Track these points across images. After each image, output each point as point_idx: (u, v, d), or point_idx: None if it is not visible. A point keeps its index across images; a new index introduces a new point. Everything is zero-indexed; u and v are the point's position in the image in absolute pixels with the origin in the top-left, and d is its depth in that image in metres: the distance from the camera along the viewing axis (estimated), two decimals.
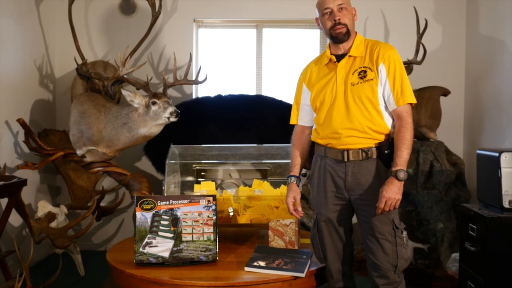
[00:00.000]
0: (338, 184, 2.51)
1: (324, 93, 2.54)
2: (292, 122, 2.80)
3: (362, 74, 2.45)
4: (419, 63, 4.24)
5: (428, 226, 4.14)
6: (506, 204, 2.97)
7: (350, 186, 2.48)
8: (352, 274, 2.69)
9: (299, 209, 2.63)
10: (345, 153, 2.47)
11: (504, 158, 3.00)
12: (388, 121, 2.47)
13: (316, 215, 2.63)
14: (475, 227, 3.14)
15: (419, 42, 4.27)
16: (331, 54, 2.58)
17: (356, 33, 2.57)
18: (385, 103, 2.46)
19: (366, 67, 2.47)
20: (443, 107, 4.48)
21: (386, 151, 2.44)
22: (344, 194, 2.51)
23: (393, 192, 2.31)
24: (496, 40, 4.28)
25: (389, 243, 2.41)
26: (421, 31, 4.29)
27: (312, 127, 2.71)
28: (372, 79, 2.43)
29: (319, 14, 2.55)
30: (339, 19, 2.46)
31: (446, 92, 4.45)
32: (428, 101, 4.36)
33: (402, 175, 2.32)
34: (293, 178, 2.69)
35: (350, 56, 2.52)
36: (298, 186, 2.69)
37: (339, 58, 2.55)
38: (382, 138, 2.46)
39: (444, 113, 4.49)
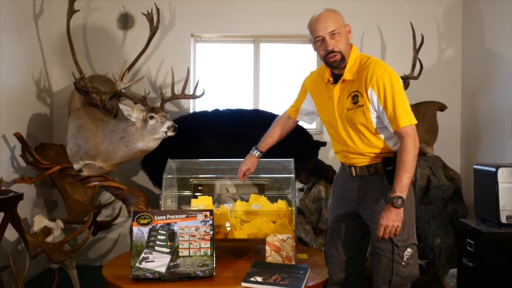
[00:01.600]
0: (350, 197, 2.59)
1: (327, 113, 2.59)
2: (287, 109, 2.99)
3: (355, 99, 2.44)
4: (416, 78, 4.26)
5: (425, 241, 4.13)
6: (503, 220, 2.98)
7: (358, 200, 2.55)
8: (358, 286, 2.72)
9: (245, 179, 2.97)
10: (353, 169, 2.54)
11: (501, 173, 3.01)
12: (389, 141, 2.47)
13: (327, 221, 2.77)
14: (472, 242, 3.14)
15: (415, 58, 4.30)
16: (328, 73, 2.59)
17: (350, 50, 2.50)
18: (383, 125, 2.45)
19: (358, 92, 2.44)
20: (440, 122, 4.49)
21: (388, 168, 2.44)
22: (354, 207, 2.58)
23: (391, 219, 2.30)
24: (492, 55, 4.31)
25: (386, 259, 2.43)
26: (417, 46, 4.32)
27: (297, 121, 2.96)
28: (363, 105, 2.41)
29: (312, 38, 2.51)
30: (332, 48, 2.42)
31: (442, 107, 4.47)
32: (425, 116, 4.37)
33: (400, 202, 2.29)
34: (256, 151, 2.98)
35: (343, 80, 2.50)
36: (257, 158, 2.98)
37: (336, 78, 2.55)
38: (385, 155, 2.47)
39: (441, 128, 4.51)
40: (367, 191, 2.51)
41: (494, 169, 3.04)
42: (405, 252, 2.42)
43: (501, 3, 4.17)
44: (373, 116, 2.42)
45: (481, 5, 4.55)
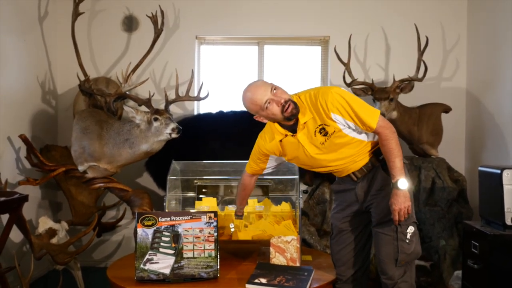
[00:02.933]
0: (352, 197, 2.69)
1: (304, 159, 2.62)
2: (247, 170, 2.94)
3: (323, 132, 2.49)
4: (420, 80, 4.25)
5: (430, 243, 4.12)
6: (508, 221, 2.96)
7: (361, 199, 2.65)
8: (364, 282, 2.81)
9: None
10: (352, 175, 2.64)
11: (506, 175, 3.00)
12: (371, 136, 2.58)
13: (332, 224, 2.84)
14: (477, 244, 3.13)
15: (420, 59, 4.28)
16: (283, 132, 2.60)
17: (293, 97, 2.54)
18: (364, 133, 2.55)
19: (322, 125, 2.48)
20: (445, 124, 4.48)
21: (381, 157, 2.56)
22: (358, 207, 2.68)
23: (400, 202, 2.40)
24: (497, 58, 4.30)
25: (390, 238, 2.51)
26: (422, 48, 4.31)
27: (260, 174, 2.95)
28: (334, 131, 2.47)
29: (259, 110, 2.50)
30: (283, 101, 2.44)
31: (447, 109, 4.46)
32: (429, 117, 4.37)
33: (402, 184, 2.41)
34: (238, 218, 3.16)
35: (304, 123, 2.51)
36: None
37: (293, 130, 2.56)
38: (375, 148, 2.59)
39: (446, 130, 4.50)
40: (367, 186, 2.63)
41: (499, 171, 3.03)
42: (408, 230, 2.50)
43: (506, 5, 4.16)
44: (347, 132, 2.49)
45: (486, 7, 4.54)
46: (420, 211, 4.15)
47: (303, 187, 4.44)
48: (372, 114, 2.44)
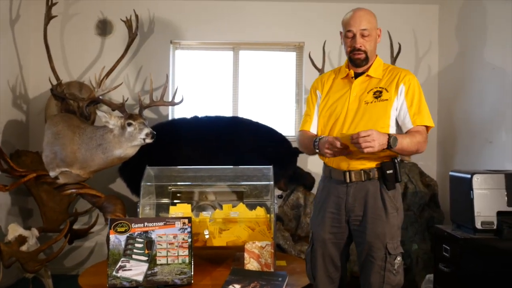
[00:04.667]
0: (339, 205, 2.50)
1: (335, 107, 2.53)
2: (302, 128, 2.69)
3: (377, 94, 2.46)
4: None
5: (403, 247, 4.15)
6: (478, 225, 3.02)
7: (350, 207, 2.47)
8: None
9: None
10: (347, 174, 2.46)
11: (476, 179, 3.05)
12: None
13: (313, 234, 2.62)
14: (448, 248, 3.18)
15: (396, 66, 4.34)
16: (348, 70, 2.58)
17: (376, 56, 2.57)
18: (396, 126, 2.47)
19: (383, 88, 2.47)
20: None
21: (388, 171, 2.41)
22: (342, 216, 2.50)
23: (377, 138, 2.23)
24: (467, 64, 4.39)
25: (378, 267, 2.41)
26: (394, 54, 4.38)
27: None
28: (386, 100, 2.44)
29: (343, 31, 2.54)
30: (360, 46, 2.47)
31: None
32: None
33: (393, 139, 2.26)
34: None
35: (367, 75, 2.53)
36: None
37: (356, 76, 2.55)
38: (386, 159, 2.45)
39: None
40: (361, 198, 2.47)
41: (469, 176, 3.09)
42: (395, 261, 2.43)
43: (476, 13, 4.25)
44: (392, 113, 2.45)
45: (457, 14, 4.64)
46: None
47: (277, 192, 4.45)
48: (429, 117, 2.45)
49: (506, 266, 2.95)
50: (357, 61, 2.50)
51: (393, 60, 4.36)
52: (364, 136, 2.21)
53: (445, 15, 4.91)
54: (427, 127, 2.46)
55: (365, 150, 2.22)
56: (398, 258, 2.44)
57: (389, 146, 2.27)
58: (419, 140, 2.37)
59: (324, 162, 2.63)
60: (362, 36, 2.47)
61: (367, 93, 2.48)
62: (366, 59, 2.50)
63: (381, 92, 2.46)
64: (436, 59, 5.04)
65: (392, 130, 2.46)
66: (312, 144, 2.48)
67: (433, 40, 5.04)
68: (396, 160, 2.44)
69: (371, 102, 2.45)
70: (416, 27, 5.02)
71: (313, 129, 2.65)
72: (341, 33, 2.58)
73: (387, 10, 4.95)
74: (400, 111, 2.45)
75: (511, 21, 3.75)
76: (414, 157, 4.49)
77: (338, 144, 2.32)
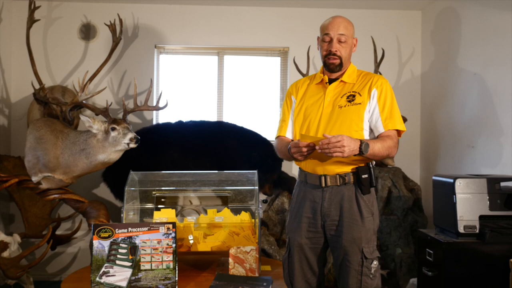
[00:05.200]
0: (315, 210, 2.52)
1: (310, 112, 2.57)
2: (279, 134, 2.72)
3: (351, 98, 2.51)
4: None
5: (387, 252, 4.19)
6: (461, 229, 3.04)
7: (325, 212, 2.49)
8: None
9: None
10: (323, 178, 2.48)
11: (459, 184, 3.08)
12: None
13: (289, 239, 2.62)
14: (432, 252, 3.20)
15: (376, 71, 4.38)
16: (323, 75, 2.63)
17: (350, 63, 2.62)
18: (370, 129, 2.51)
19: (356, 92, 2.52)
20: None
21: (363, 176, 2.44)
22: (318, 221, 2.51)
23: (348, 144, 2.25)
24: (449, 70, 4.44)
25: (355, 272, 2.42)
26: (378, 60, 4.41)
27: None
28: (360, 103, 2.48)
29: (320, 36, 2.59)
30: (335, 51, 2.52)
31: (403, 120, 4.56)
32: None
33: (365, 147, 2.29)
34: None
35: (341, 81, 2.57)
36: None
37: (331, 81, 2.60)
38: (361, 163, 2.48)
39: (401, 140, 4.56)
40: (336, 202, 2.48)
41: (452, 180, 3.12)
42: (372, 265, 2.44)
43: (458, 19, 4.30)
44: (365, 116, 2.48)
45: (439, 21, 4.69)
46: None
47: (262, 197, 4.45)
48: (400, 122, 2.50)
49: (489, 270, 2.99)
50: (331, 66, 2.55)
51: (377, 65, 4.40)
52: (335, 142, 2.24)
53: (427, 21, 4.96)
54: (399, 131, 2.51)
55: (334, 155, 2.26)
56: (375, 262, 2.45)
57: (360, 152, 2.30)
58: (389, 145, 2.42)
59: (299, 167, 2.65)
60: (339, 41, 2.53)
61: (341, 97, 2.54)
62: (340, 65, 2.55)
63: (354, 96, 2.52)
64: (419, 64, 5.09)
65: (366, 133, 2.50)
66: (288, 152, 2.52)
67: (416, 46, 5.10)
68: (371, 165, 2.49)
69: (345, 106, 2.50)
70: (399, 33, 5.07)
71: (289, 134, 2.70)
72: (318, 38, 2.63)
73: (371, 16, 5.01)
74: (372, 115, 2.50)
75: (491, 28, 3.80)
76: (398, 162, 4.53)
77: (300, 144, 2.36)
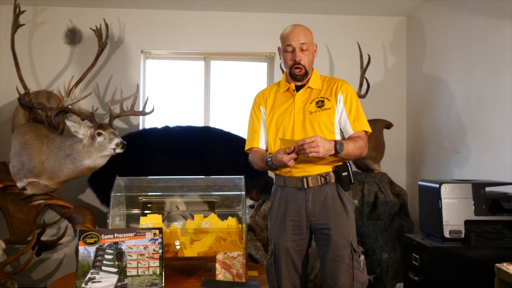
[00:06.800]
0: (299, 212, 2.55)
1: (282, 120, 2.62)
2: (251, 146, 2.72)
3: (320, 104, 2.58)
4: (363, 96, 4.37)
5: (373, 257, 4.21)
6: (447, 234, 3.06)
7: (310, 212, 2.53)
8: None
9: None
10: (305, 180, 2.53)
11: (444, 189, 3.10)
12: None
13: (274, 244, 2.63)
14: (418, 257, 3.22)
15: (362, 77, 4.41)
16: (289, 83, 2.67)
17: (313, 69, 2.68)
18: (341, 131, 2.60)
19: (324, 97, 2.60)
20: (386, 140, 4.62)
21: (343, 173, 2.52)
22: (303, 223, 2.55)
23: (322, 144, 2.31)
24: (435, 77, 4.48)
25: (346, 266, 2.45)
26: (364, 65, 4.44)
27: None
28: (329, 108, 2.56)
29: (282, 46, 2.64)
30: (300, 60, 2.57)
31: (389, 125, 4.60)
32: (371, 133, 4.47)
33: (340, 147, 2.38)
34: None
35: (308, 87, 2.63)
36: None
37: (297, 88, 2.65)
38: (339, 163, 2.55)
39: (387, 145, 4.63)
40: (321, 202, 2.52)
41: (437, 185, 3.14)
42: (360, 258, 2.50)
43: (442, 26, 4.35)
44: (335, 120, 2.57)
45: (425, 27, 4.74)
46: (363, 225, 4.24)
47: (249, 202, 4.45)
48: (366, 123, 2.61)
49: (474, 274, 3.01)
50: (298, 77, 2.62)
51: (363, 71, 4.42)
52: (309, 142, 2.31)
53: (412, 27, 5.01)
54: (366, 132, 2.62)
55: (310, 155, 2.31)
56: (362, 256, 2.52)
57: (336, 152, 2.38)
58: (361, 144, 2.53)
59: (275, 173, 2.68)
60: (301, 50, 2.59)
61: (310, 103, 2.61)
62: (306, 74, 2.62)
63: (323, 101, 2.59)
64: (405, 70, 5.13)
65: (338, 136, 2.59)
66: (266, 164, 2.55)
67: (401, 52, 5.14)
68: (349, 163, 2.57)
69: (315, 112, 2.57)
70: (385, 38, 5.11)
71: (262, 145, 2.74)
72: (279, 48, 2.69)
73: (357, 21, 5.05)
74: (341, 118, 2.60)
75: (476, 34, 3.85)
76: (384, 167, 4.56)
77: (288, 151, 2.38)
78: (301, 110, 2.59)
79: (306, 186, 2.54)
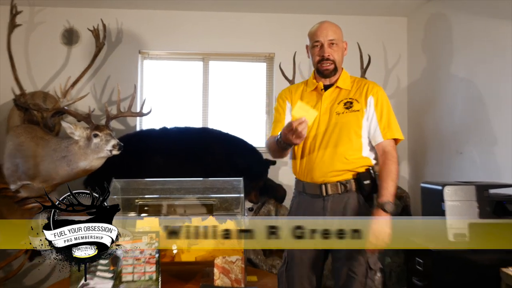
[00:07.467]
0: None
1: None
2: (273, 133, 2.55)
3: (348, 105, 2.45)
4: None
5: None
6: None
7: (328, 222, 2.38)
8: None
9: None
10: (323, 187, 2.41)
11: (448, 191, 3.05)
12: (370, 155, 2.45)
13: (288, 253, 2.53)
14: (421, 261, 3.16)
15: (362, 77, 4.35)
16: (317, 82, 2.55)
17: (342, 68, 2.55)
18: (368, 137, 2.45)
19: (353, 99, 2.46)
20: None
21: (365, 182, 2.39)
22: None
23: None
24: (436, 77, 4.43)
25: (359, 284, 2.33)
26: (364, 66, 4.39)
27: None
28: (358, 110, 2.43)
29: (310, 43, 2.52)
30: (328, 55, 2.45)
31: None
32: None
33: (389, 207, 2.26)
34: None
35: (337, 87, 2.51)
36: None
37: (326, 87, 2.53)
38: (361, 169, 2.42)
39: None
40: (339, 211, 2.39)
41: (440, 188, 3.08)
42: (376, 276, 2.37)
43: (443, 25, 4.30)
44: (364, 124, 2.43)
45: (424, 27, 4.69)
46: None
47: (248, 205, 4.39)
48: (398, 130, 2.45)
49: (479, 278, 2.94)
50: (326, 72, 2.49)
51: (363, 71, 4.37)
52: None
53: (413, 27, 4.96)
54: (396, 140, 2.46)
55: (387, 241, 2.22)
56: (378, 274, 2.39)
57: (392, 210, 2.27)
58: (393, 168, 2.38)
59: (296, 178, 2.57)
60: (330, 45, 2.46)
61: (338, 104, 2.47)
62: (335, 70, 2.49)
63: (351, 103, 2.45)
64: (405, 70, 5.08)
65: (365, 140, 2.44)
66: (276, 143, 2.37)
67: (402, 52, 5.09)
68: (371, 170, 2.43)
69: (343, 113, 2.44)
70: (385, 39, 5.06)
71: None
72: (307, 46, 2.57)
73: (357, 22, 4.99)
74: (371, 123, 2.44)
75: (477, 34, 3.80)
76: None
77: (294, 123, 2.15)
78: (328, 110, 2.46)
79: (324, 194, 2.41)
